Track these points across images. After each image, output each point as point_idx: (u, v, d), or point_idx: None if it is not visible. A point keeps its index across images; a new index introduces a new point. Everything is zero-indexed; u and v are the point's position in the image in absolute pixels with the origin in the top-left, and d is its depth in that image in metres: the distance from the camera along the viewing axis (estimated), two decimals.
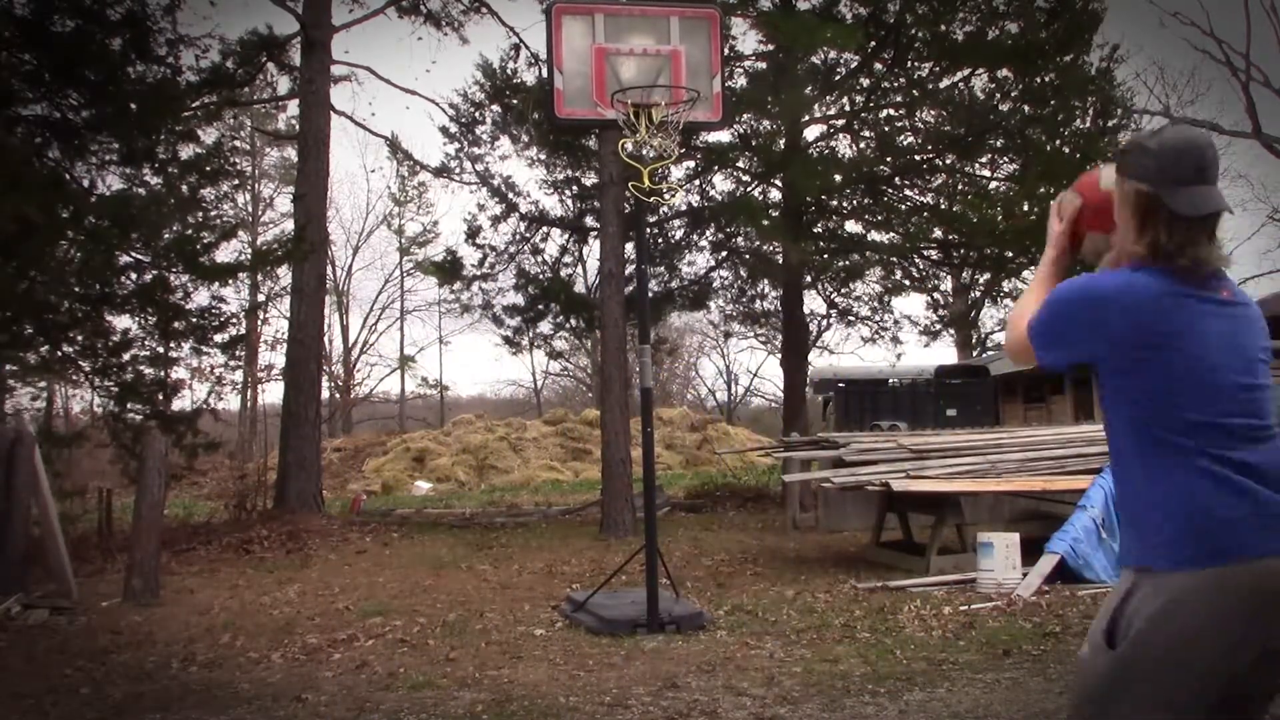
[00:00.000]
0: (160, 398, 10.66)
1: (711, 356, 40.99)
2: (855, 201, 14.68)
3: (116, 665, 5.41)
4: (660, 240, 15.45)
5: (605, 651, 5.48)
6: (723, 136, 14.17)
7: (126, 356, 10.43)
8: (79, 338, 10.32)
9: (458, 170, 15.73)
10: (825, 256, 15.19)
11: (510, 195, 15.37)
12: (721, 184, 15.83)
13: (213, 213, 11.45)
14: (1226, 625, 1.78)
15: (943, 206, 14.52)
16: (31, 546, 7.55)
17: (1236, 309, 1.93)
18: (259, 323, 15.67)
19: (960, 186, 14.61)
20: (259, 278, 16.04)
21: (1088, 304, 1.93)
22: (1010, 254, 13.67)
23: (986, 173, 14.62)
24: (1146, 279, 1.90)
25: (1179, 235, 1.90)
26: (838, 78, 13.85)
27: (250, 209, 31.97)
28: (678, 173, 14.54)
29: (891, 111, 14.53)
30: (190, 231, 10.60)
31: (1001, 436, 9.21)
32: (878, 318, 16.79)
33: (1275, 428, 1.90)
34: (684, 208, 15.50)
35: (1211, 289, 1.91)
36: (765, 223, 13.90)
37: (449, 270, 15.66)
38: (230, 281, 11.21)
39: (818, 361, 20.67)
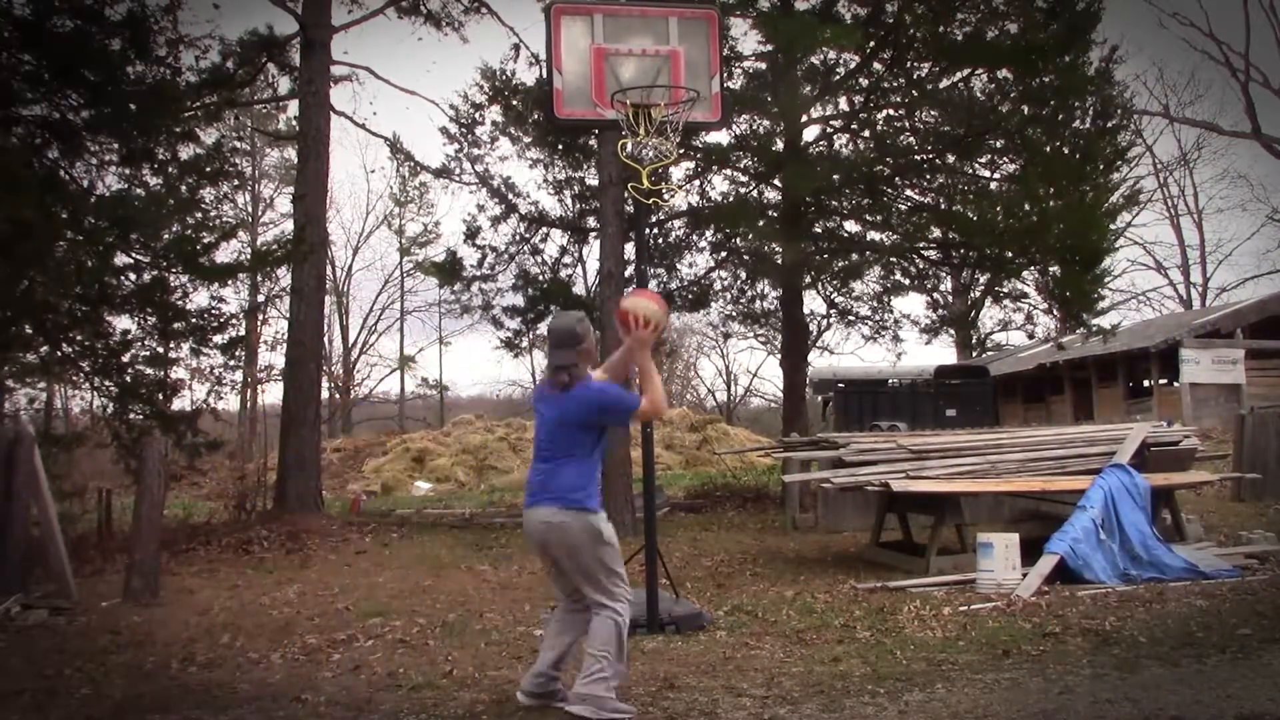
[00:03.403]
0: (160, 398, 10.66)
1: (711, 357, 41.03)
2: (855, 201, 14.65)
3: (116, 665, 5.41)
4: (660, 241, 15.44)
5: None
6: (722, 137, 14.19)
7: (126, 357, 10.43)
8: (79, 338, 10.31)
9: (458, 171, 15.72)
10: (825, 256, 15.18)
11: (510, 196, 15.36)
12: (721, 185, 15.84)
13: (212, 213, 11.43)
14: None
15: (942, 206, 14.49)
16: (31, 547, 7.54)
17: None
18: (259, 323, 15.62)
19: (960, 186, 14.57)
20: (259, 278, 15.98)
21: None
22: (1010, 254, 13.64)
23: (986, 173, 14.58)
24: None
25: None
26: (837, 78, 13.83)
27: (250, 209, 31.99)
28: (677, 173, 14.54)
29: (891, 112, 14.50)
30: (190, 232, 10.59)
31: (1001, 437, 9.21)
32: (877, 317, 16.76)
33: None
34: (684, 208, 15.50)
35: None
36: (760, 224, 13.88)
37: (449, 271, 15.64)
38: (230, 282, 11.21)
39: (818, 361, 20.69)
